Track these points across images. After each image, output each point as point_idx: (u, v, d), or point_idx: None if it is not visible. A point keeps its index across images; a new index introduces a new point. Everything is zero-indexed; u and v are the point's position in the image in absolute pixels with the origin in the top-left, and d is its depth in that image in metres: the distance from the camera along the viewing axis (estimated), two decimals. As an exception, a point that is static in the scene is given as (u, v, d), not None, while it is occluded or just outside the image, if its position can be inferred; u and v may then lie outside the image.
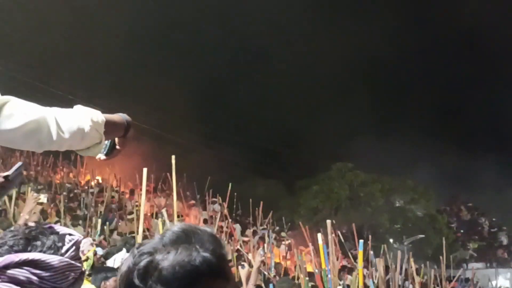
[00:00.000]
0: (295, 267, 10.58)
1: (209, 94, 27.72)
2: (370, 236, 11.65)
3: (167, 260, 0.97)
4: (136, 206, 12.60)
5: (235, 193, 15.38)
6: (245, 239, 12.88)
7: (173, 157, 5.67)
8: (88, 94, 18.98)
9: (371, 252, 10.06)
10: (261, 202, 13.49)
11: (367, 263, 10.56)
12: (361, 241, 6.41)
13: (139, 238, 5.14)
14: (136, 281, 0.97)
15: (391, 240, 19.73)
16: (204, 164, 21.78)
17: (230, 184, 14.16)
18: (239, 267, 5.11)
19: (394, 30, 30.14)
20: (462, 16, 30.12)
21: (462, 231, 26.83)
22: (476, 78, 32.37)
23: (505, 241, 27.29)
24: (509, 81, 31.99)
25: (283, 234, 13.62)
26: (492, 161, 29.85)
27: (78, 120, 1.33)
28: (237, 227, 13.42)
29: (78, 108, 1.38)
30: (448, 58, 33.40)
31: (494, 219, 28.59)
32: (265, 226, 14.67)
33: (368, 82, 31.33)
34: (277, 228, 15.47)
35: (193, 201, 15.10)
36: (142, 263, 0.98)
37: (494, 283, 20.74)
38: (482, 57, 31.25)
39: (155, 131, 23.68)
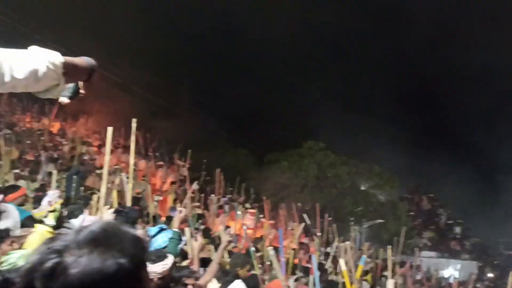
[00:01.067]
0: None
1: (191, 62, 27.20)
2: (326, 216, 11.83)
3: (78, 264, 0.84)
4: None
5: (204, 160, 15.32)
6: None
7: (133, 120, 5.46)
8: (60, 37, 18.28)
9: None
10: (219, 171, 13.33)
11: (326, 243, 10.77)
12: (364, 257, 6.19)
13: (102, 196, 5.00)
14: (37, 284, 0.83)
15: (352, 222, 20.18)
16: (180, 128, 21.58)
17: (189, 151, 14.08)
18: (192, 239, 5.03)
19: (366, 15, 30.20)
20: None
21: (420, 220, 27.71)
22: (448, 72, 32.88)
23: (459, 233, 28.41)
24: (475, 76, 32.68)
25: (247, 205, 13.65)
26: (457, 157, 30.74)
27: (33, 61, 1.29)
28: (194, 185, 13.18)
29: (34, 49, 1.32)
30: (422, 47, 33.73)
31: (450, 212, 29.65)
32: (230, 195, 14.70)
33: (349, 65, 31.42)
34: (243, 199, 15.52)
35: (161, 162, 14.91)
36: (49, 264, 0.84)
37: (444, 272, 21.65)
38: (457, 50, 31.71)
39: (136, 90, 23.23)
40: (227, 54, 28.26)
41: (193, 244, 4.80)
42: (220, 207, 12.25)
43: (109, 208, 4.98)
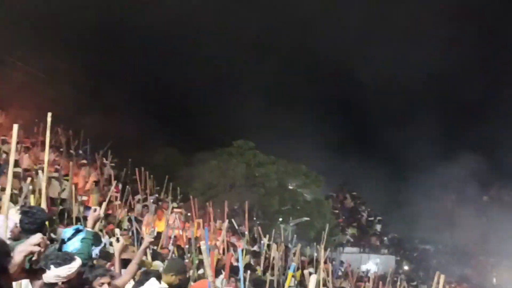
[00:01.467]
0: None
1: (119, 57, 26.26)
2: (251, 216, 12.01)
3: None
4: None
5: (130, 159, 14.89)
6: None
7: (49, 114, 5.13)
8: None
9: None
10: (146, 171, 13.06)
11: (253, 242, 10.90)
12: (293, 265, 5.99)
13: (5, 199, 4.63)
14: None
15: (280, 220, 20.57)
16: (106, 125, 20.77)
17: (109, 150, 13.56)
18: (114, 240, 4.88)
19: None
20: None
21: (343, 217, 28.91)
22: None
23: (379, 230, 30.00)
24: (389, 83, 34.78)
25: (174, 205, 13.43)
26: (378, 157, 32.48)
27: None
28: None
29: None
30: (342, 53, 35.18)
31: (370, 209, 31.25)
32: (157, 195, 14.41)
33: (279, 66, 32.01)
34: (171, 198, 15.27)
35: (84, 161, 14.23)
36: None
37: (364, 266, 22.75)
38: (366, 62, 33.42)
39: (59, 84, 21.98)
40: (157, 52, 27.65)
41: (115, 245, 4.65)
42: (146, 206, 11.98)
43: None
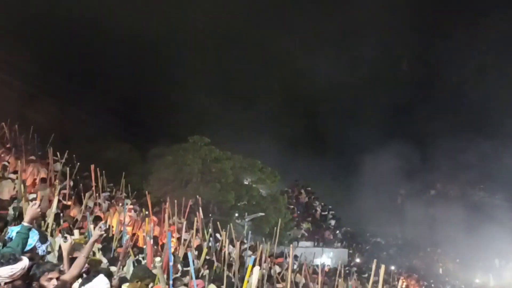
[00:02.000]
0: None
1: (70, 49, 25.42)
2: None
3: None
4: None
5: (81, 154, 14.50)
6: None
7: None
8: None
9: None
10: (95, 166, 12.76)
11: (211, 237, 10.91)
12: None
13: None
14: None
15: (236, 216, 20.64)
16: (57, 120, 20.09)
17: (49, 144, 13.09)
18: (62, 239, 4.79)
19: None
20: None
21: (298, 212, 29.34)
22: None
23: (332, 224, 30.67)
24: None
25: (127, 201, 13.20)
26: (331, 153, 33.29)
27: None
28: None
29: None
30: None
31: (323, 204, 31.92)
32: (109, 192, 14.12)
33: (235, 60, 32.05)
34: (124, 195, 15.00)
35: (33, 157, 13.70)
36: None
37: (318, 260, 23.25)
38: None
39: (5, 76, 20.99)
40: (110, 46, 26.96)
41: (62, 244, 4.56)
42: (98, 204, 11.72)
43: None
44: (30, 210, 4.06)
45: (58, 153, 13.88)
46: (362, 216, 33.42)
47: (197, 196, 13.85)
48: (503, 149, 31.80)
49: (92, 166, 11.74)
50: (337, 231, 30.36)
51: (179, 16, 29.52)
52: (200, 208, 12.13)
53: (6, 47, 20.39)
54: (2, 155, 12.38)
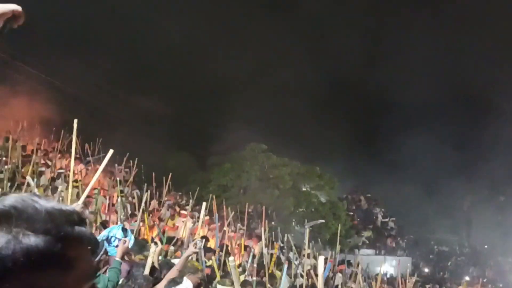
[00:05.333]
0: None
1: (137, 63, 26.50)
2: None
3: None
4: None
5: (142, 164, 14.97)
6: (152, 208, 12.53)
7: (75, 121, 5.22)
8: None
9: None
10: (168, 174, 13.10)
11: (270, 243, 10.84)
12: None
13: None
14: None
15: (293, 223, 20.48)
16: (120, 132, 20.91)
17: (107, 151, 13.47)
18: (152, 244, 5.04)
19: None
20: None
21: (358, 219, 28.67)
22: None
23: (393, 231, 29.69)
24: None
25: (188, 208, 13.45)
26: (391, 159, 32.27)
27: None
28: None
29: None
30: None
31: (385, 211, 30.97)
32: (166, 199, 14.45)
33: (297, 67, 31.97)
34: (184, 201, 15.33)
35: (97, 166, 14.27)
36: None
37: (380, 269, 22.48)
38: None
39: (69, 89, 22.17)
40: (169, 57, 27.76)
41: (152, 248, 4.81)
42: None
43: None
44: (121, 247, 4.36)
45: (121, 164, 14.44)
46: (425, 223, 32.09)
47: (258, 204, 13.84)
48: None
49: (166, 178, 12.03)
50: (399, 239, 29.34)
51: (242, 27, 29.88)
52: (263, 214, 12.08)
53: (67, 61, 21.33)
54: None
